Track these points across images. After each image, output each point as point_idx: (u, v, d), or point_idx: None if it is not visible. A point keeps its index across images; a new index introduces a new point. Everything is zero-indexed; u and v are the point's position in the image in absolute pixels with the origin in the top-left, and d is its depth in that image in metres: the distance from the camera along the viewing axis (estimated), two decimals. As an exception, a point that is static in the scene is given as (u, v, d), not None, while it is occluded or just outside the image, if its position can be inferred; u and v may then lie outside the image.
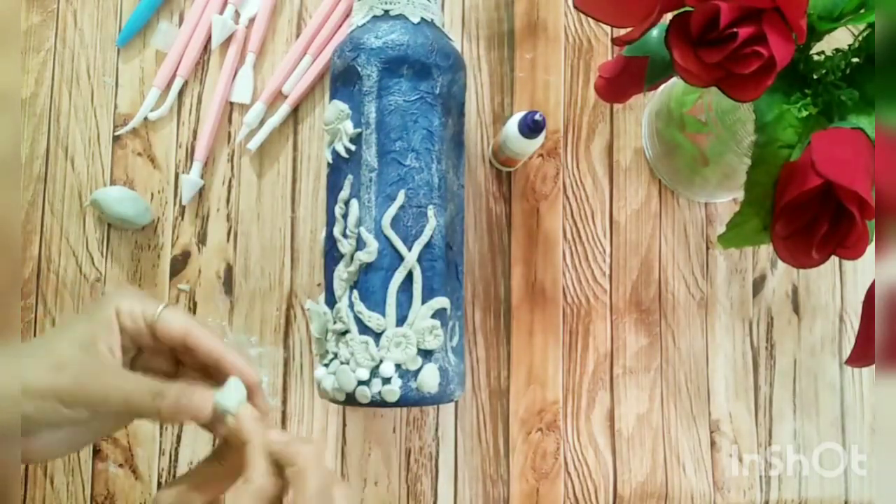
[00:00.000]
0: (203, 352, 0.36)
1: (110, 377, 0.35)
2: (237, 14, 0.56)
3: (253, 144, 0.55)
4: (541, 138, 0.49)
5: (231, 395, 0.35)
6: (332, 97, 0.48)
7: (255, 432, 0.35)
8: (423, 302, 0.45)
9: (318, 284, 0.54)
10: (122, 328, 0.36)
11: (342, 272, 0.46)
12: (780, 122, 0.37)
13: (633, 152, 0.58)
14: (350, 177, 0.46)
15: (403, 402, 0.44)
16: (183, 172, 0.55)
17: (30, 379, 0.34)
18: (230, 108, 0.56)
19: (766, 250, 0.58)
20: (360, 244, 0.45)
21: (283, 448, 0.35)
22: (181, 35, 0.55)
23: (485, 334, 0.55)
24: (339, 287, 0.46)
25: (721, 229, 0.40)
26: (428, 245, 0.45)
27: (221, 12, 0.56)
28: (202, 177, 0.55)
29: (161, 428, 0.53)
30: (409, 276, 0.45)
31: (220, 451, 0.36)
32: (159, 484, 0.52)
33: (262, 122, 0.55)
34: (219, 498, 0.35)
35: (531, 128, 0.47)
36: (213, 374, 0.37)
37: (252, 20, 0.56)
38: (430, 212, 0.46)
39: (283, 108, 0.55)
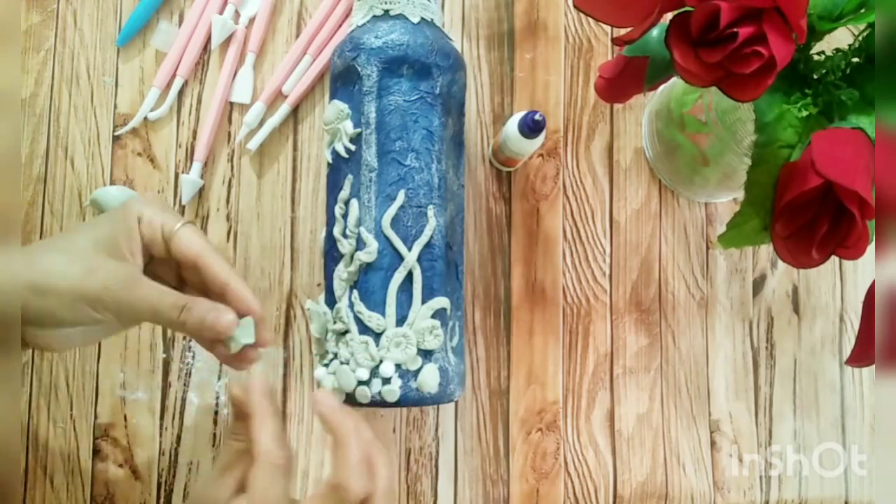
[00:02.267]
0: (211, 276, 0.38)
1: (138, 287, 0.37)
2: (237, 14, 0.56)
3: (253, 144, 0.55)
4: (541, 138, 0.49)
5: (246, 332, 0.38)
6: (332, 97, 0.48)
7: (260, 406, 0.36)
8: (423, 302, 0.45)
9: (318, 284, 0.54)
10: (141, 235, 0.38)
11: (342, 272, 0.46)
12: (780, 121, 0.37)
13: (633, 152, 0.58)
14: (350, 177, 0.46)
15: (403, 402, 0.44)
16: (183, 172, 0.55)
17: (61, 281, 0.36)
18: (230, 108, 0.56)
19: (766, 250, 0.58)
20: (359, 244, 0.45)
21: (327, 415, 0.37)
22: (181, 35, 0.55)
23: (485, 334, 0.55)
24: (339, 287, 0.46)
25: (721, 229, 0.41)
26: (428, 245, 0.45)
27: (221, 12, 0.56)
28: (202, 177, 0.55)
29: (161, 429, 0.53)
30: (409, 276, 0.45)
31: (234, 426, 0.37)
32: (159, 484, 0.52)
33: (261, 122, 0.55)
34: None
35: (531, 128, 0.47)
36: (213, 298, 0.38)
37: (252, 20, 0.56)
38: (430, 212, 0.46)
39: (283, 108, 0.55)
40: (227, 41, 0.56)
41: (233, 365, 0.40)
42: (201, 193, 0.55)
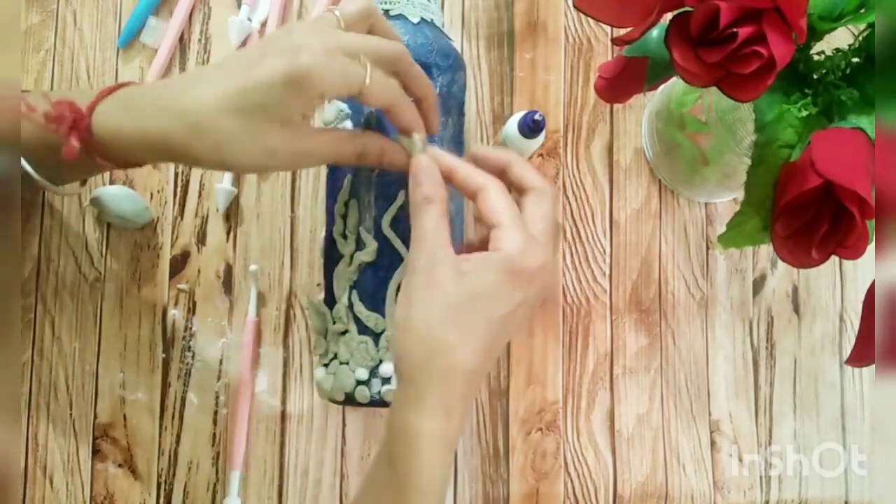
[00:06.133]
0: (402, 125, 0.40)
1: (314, 146, 0.38)
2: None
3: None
4: (541, 138, 0.49)
5: (417, 146, 0.40)
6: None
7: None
8: (423, 302, 0.45)
9: (318, 284, 0.54)
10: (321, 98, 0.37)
11: (342, 272, 0.46)
12: (780, 121, 0.37)
13: (633, 152, 0.58)
14: (349, 177, 0.46)
15: (403, 402, 0.44)
16: (218, 183, 0.54)
17: (243, 165, 0.37)
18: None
19: (766, 250, 0.58)
20: (359, 244, 0.45)
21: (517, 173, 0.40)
22: (169, 30, 0.55)
23: (485, 334, 0.55)
24: (338, 287, 0.46)
25: (721, 229, 0.40)
26: (428, 245, 0.45)
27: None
28: (234, 185, 0.55)
29: (160, 428, 0.53)
30: (409, 276, 0.45)
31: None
32: (159, 484, 0.52)
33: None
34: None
35: (531, 127, 0.47)
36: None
37: (264, 23, 0.56)
38: (430, 212, 0.45)
39: (284, 109, 0.55)
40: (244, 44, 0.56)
41: None
42: (200, 193, 0.55)
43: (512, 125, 0.48)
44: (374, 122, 0.45)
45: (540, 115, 0.47)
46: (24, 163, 0.40)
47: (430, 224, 0.37)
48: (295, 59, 0.35)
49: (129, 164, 0.41)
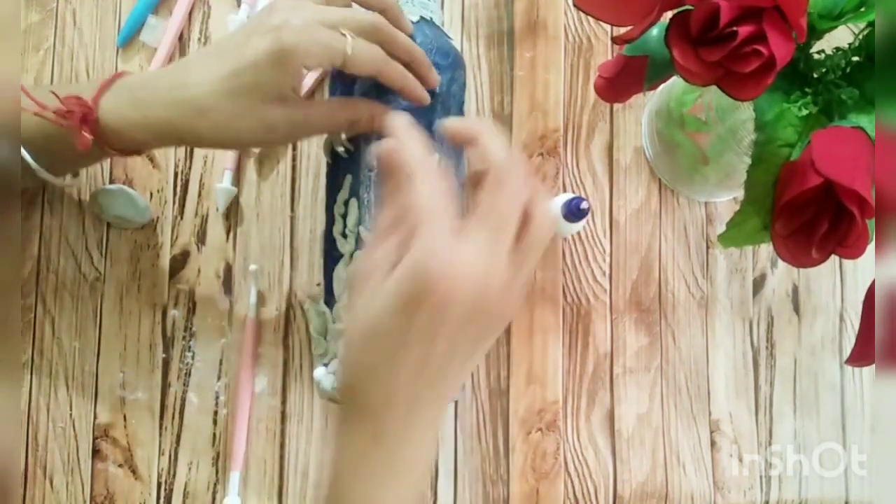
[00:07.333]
0: (389, 85, 0.42)
1: (310, 120, 0.42)
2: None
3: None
4: (580, 224, 0.50)
5: None
6: (331, 96, 0.48)
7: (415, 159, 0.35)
8: (423, 301, 0.45)
9: (318, 284, 0.54)
10: (306, 70, 0.42)
11: (342, 272, 0.46)
12: (780, 120, 0.37)
13: (633, 151, 0.58)
14: (349, 176, 0.46)
15: (403, 401, 0.44)
16: (218, 182, 0.54)
17: (243, 141, 0.43)
18: (229, 108, 0.55)
19: (766, 249, 0.58)
20: (359, 244, 0.45)
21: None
22: (169, 29, 0.55)
23: (484, 334, 0.55)
24: (338, 286, 0.46)
25: (721, 228, 0.40)
26: (427, 244, 0.45)
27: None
28: (234, 184, 0.55)
29: (160, 429, 0.52)
30: (409, 275, 0.45)
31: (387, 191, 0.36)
32: (159, 484, 0.52)
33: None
34: None
35: (576, 214, 0.48)
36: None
37: None
38: (430, 211, 0.45)
39: (283, 108, 0.55)
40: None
41: None
42: (200, 193, 0.55)
43: (555, 205, 0.48)
44: (372, 93, 0.45)
45: (587, 204, 0.47)
46: (25, 155, 0.42)
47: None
48: (277, 37, 0.38)
49: (133, 150, 0.43)
